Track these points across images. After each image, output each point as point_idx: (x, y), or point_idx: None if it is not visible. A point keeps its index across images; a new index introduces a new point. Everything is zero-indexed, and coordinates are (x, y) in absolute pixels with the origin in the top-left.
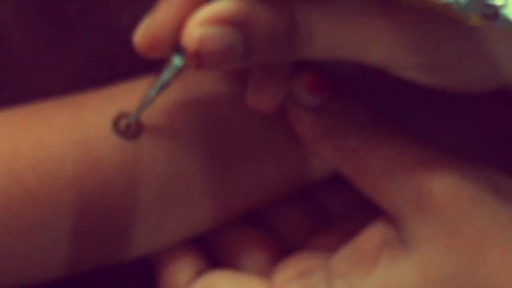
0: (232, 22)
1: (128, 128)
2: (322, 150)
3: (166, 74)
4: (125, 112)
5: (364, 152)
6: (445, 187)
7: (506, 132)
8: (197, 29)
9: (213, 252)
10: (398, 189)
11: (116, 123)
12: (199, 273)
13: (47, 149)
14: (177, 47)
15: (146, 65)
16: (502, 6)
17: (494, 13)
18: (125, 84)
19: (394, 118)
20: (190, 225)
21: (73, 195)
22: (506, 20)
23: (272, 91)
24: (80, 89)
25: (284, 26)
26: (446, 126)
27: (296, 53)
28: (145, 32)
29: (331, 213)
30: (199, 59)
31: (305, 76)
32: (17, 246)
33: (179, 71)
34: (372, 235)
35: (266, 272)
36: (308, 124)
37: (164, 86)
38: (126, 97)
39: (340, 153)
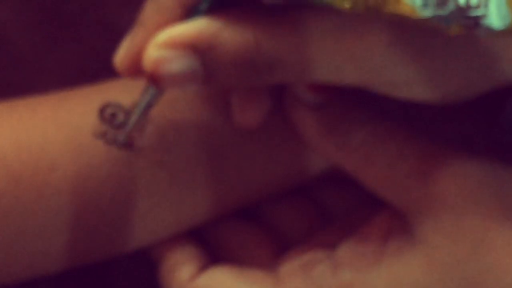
0: (190, 46)
1: (114, 117)
2: (325, 148)
3: (147, 96)
4: (111, 102)
5: (367, 147)
6: (449, 178)
7: (487, 141)
8: (154, 51)
9: (214, 249)
10: (402, 182)
11: (102, 111)
12: (202, 269)
13: (30, 132)
14: None
15: None
16: (483, 17)
17: (475, 23)
18: (112, 80)
19: (394, 116)
20: (186, 216)
21: (57, 178)
22: (487, 29)
23: (256, 107)
24: None
25: (250, 52)
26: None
27: (263, 79)
28: (125, 55)
29: (330, 212)
30: (155, 80)
31: None
32: (1, 227)
33: (160, 92)
34: (378, 227)
35: (267, 267)
36: (310, 123)
37: (148, 107)
38: (113, 89)
39: (344, 150)
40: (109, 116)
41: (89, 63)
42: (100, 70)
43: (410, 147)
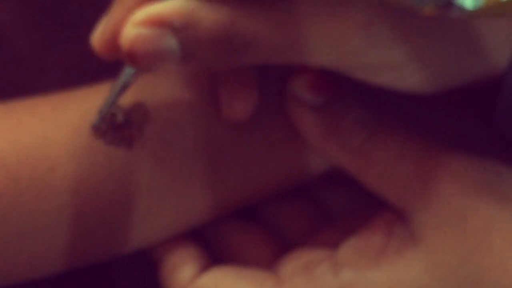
0: (168, 25)
1: (113, 117)
2: (326, 148)
3: (124, 76)
4: None
5: (369, 148)
6: (450, 177)
7: (487, 134)
8: (132, 29)
9: (215, 250)
10: (403, 182)
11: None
12: (203, 269)
13: (30, 133)
14: None
15: None
16: None
17: (448, 3)
18: (112, 80)
19: (394, 115)
20: (186, 216)
21: (57, 178)
22: (460, 8)
23: (244, 99)
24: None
25: (226, 31)
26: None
27: (240, 59)
28: (102, 34)
29: (330, 212)
30: (132, 58)
31: (307, 76)
32: (0, 227)
33: (137, 72)
34: (379, 227)
35: (268, 267)
36: (311, 123)
37: (125, 87)
38: None
39: (345, 151)
40: (108, 116)
41: (89, 63)
42: (100, 70)
43: (410, 147)
